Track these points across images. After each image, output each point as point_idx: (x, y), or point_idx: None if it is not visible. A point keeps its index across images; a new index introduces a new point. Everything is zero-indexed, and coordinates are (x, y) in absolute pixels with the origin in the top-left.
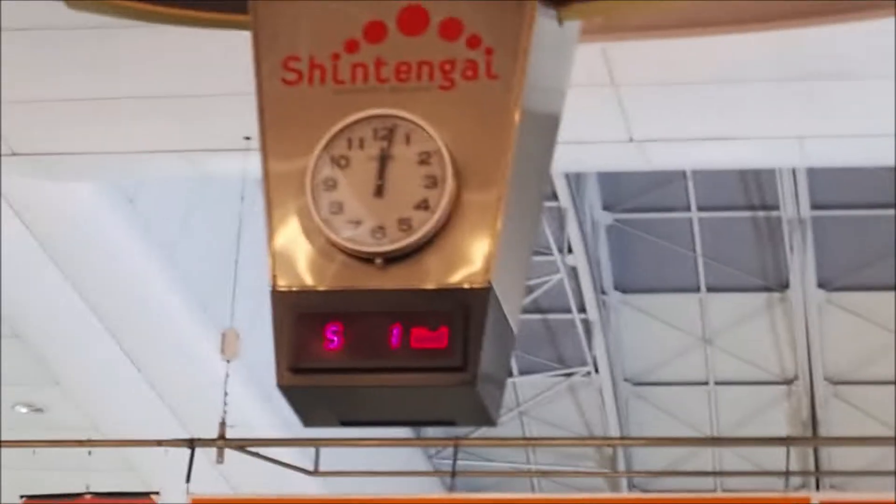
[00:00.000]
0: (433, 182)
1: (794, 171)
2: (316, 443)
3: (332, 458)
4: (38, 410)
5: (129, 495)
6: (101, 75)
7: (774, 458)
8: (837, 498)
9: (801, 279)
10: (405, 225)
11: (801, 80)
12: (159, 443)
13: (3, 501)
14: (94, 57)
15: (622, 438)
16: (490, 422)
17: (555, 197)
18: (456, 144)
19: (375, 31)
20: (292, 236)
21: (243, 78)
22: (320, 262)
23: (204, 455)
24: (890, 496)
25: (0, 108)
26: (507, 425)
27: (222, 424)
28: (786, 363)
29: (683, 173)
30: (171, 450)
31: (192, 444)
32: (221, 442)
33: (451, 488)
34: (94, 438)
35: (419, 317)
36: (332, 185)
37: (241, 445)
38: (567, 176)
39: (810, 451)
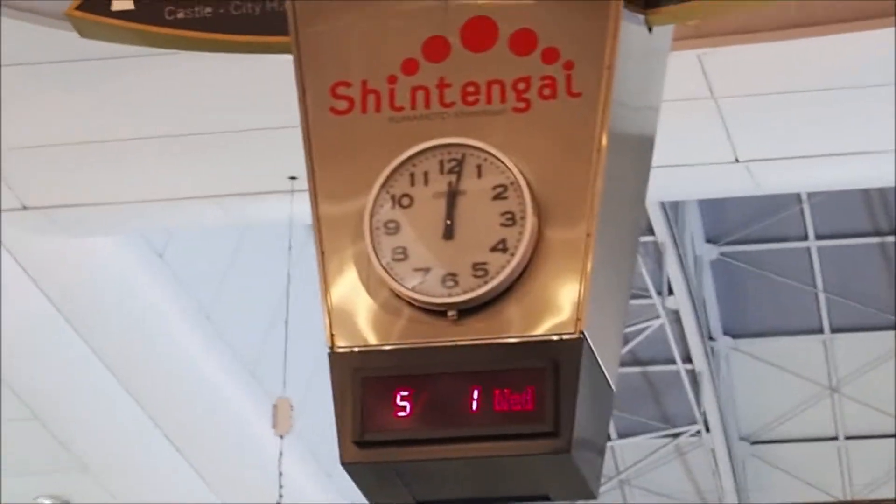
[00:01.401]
0: (511, 219)
1: None
2: None
3: None
4: (65, 503)
5: None
6: (120, 113)
7: None
8: None
9: None
10: (481, 270)
11: None
12: None
13: None
14: (111, 93)
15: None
16: (589, 494)
17: (651, 231)
18: (535, 175)
19: (437, 48)
20: (351, 289)
21: (286, 109)
22: (384, 316)
23: None
24: None
25: (1, 154)
26: (606, 497)
27: None
28: None
29: (798, 197)
30: None
31: None
32: None
33: None
34: None
35: (502, 375)
36: (394, 227)
37: None
38: (664, 205)
39: None
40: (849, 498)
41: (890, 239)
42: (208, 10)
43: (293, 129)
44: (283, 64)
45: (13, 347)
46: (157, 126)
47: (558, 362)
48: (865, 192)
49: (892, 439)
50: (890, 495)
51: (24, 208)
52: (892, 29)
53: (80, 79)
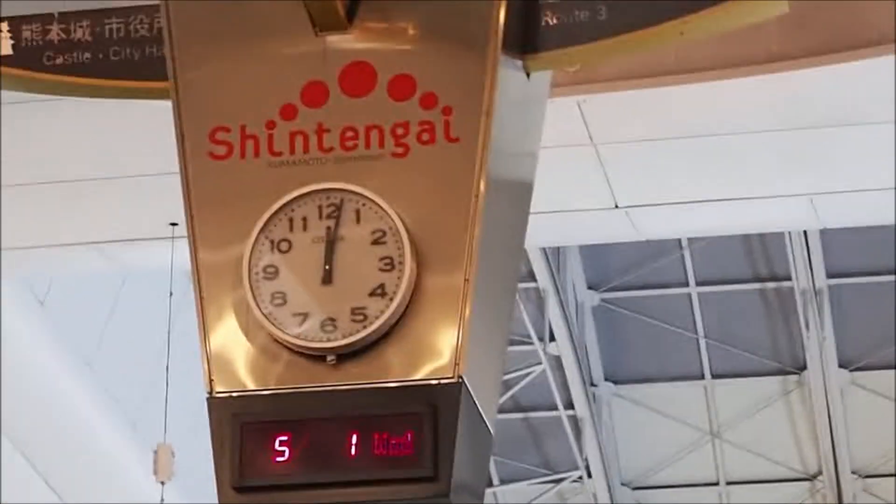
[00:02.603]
0: (390, 265)
1: (805, 235)
2: None
3: None
4: None
5: None
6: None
7: None
8: None
9: (820, 359)
10: (359, 315)
11: (806, 130)
12: None
13: None
14: None
15: None
16: None
17: (532, 277)
18: (414, 220)
19: (315, 94)
20: (230, 334)
21: (166, 154)
22: (263, 361)
23: None
24: None
25: None
26: None
27: None
28: (807, 456)
29: (679, 243)
30: None
31: None
32: None
33: None
34: None
35: (381, 420)
36: (273, 273)
37: None
38: (545, 251)
39: None
40: None
41: (770, 285)
42: (87, 55)
43: (174, 174)
44: (164, 109)
45: None
46: (36, 172)
47: (437, 406)
48: (745, 238)
49: (772, 484)
50: None
51: None
52: (772, 76)
53: None
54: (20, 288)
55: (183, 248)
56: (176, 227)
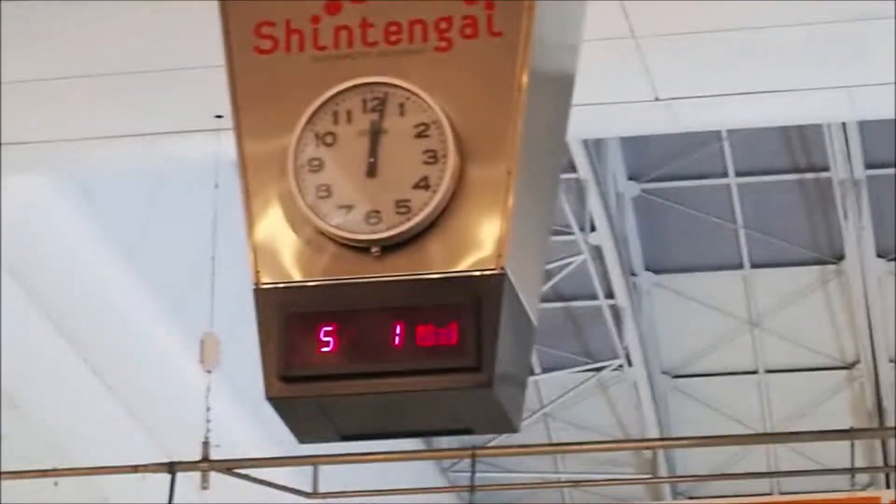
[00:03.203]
0: (433, 157)
1: (844, 127)
2: (313, 460)
3: (332, 477)
4: None
5: None
6: (46, 53)
7: (837, 453)
8: None
9: (858, 248)
10: (403, 207)
11: (843, 21)
12: (135, 468)
13: None
14: (37, 33)
15: (662, 440)
16: (511, 428)
17: (573, 168)
18: (457, 113)
19: None
20: (275, 226)
21: (211, 48)
22: (309, 253)
23: (187, 480)
24: None
25: None
26: (530, 431)
27: (205, 444)
28: (845, 345)
29: (718, 134)
30: (150, 476)
31: (172, 468)
32: (206, 465)
33: None
34: (60, 468)
35: (424, 311)
36: (318, 165)
37: (229, 468)
38: (586, 143)
39: (878, 443)
40: (768, 430)
41: (808, 175)
42: None
43: (219, 68)
44: (208, 4)
45: None
46: (81, 64)
47: (480, 298)
48: (784, 130)
49: (811, 373)
50: (807, 428)
51: None
52: None
53: (4, 20)
54: (65, 179)
55: (227, 140)
56: (221, 119)
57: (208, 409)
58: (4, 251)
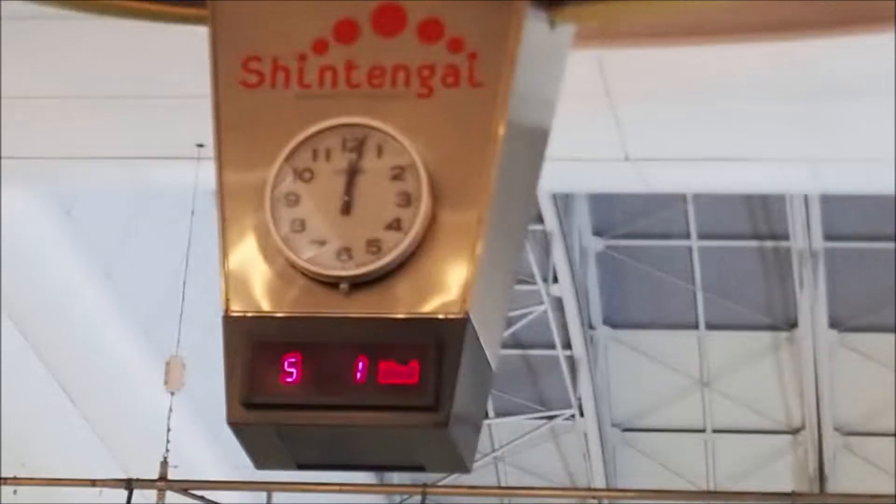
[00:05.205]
0: (407, 200)
1: (805, 198)
2: (268, 487)
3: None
4: None
5: None
6: (37, 72)
7: None
8: None
9: (812, 318)
10: (374, 247)
11: (814, 97)
12: (93, 482)
13: None
14: (26, 50)
15: (608, 490)
16: (463, 468)
17: (540, 220)
18: (433, 159)
19: (347, 31)
20: (248, 256)
21: (198, 79)
22: (279, 285)
23: (143, 498)
24: None
25: None
26: (481, 472)
27: (164, 464)
28: (792, 410)
29: (683, 197)
30: (107, 491)
31: (129, 484)
32: (162, 483)
33: None
34: (20, 476)
35: (387, 349)
36: (294, 200)
37: (185, 488)
38: (555, 197)
39: None
40: (712, 488)
41: (768, 243)
42: None
43: (203, 98)
44: (198, 34)
45: None
46: (68, 85)
47: (442, 340)
48: (747, 197)
49: (757, 435)
50: (750, 489)
51: None
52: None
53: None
54: (48, 198)
55: (207, 169)
56: (202, 148)
57: (169, 430)
58: None
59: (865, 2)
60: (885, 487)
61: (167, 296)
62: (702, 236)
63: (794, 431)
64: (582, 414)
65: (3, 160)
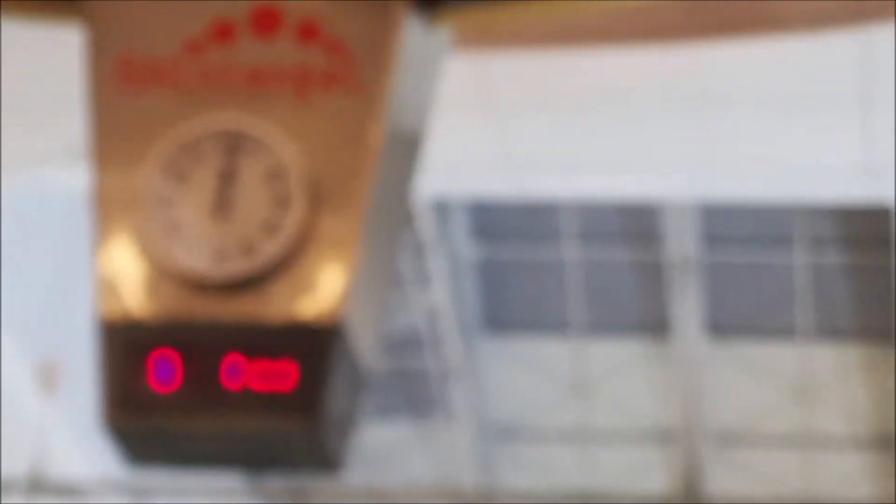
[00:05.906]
0: (281, 203)
1: (683, 207)
2: (140, 487)
3: None
4: None
5: None
6: None
7: None
8: None
9: (686, 325)
10: (247, 249)
11: (693, 106)
12: None
13: None
14: None
15: (480, 493)
16: (335, 472)
17: (417, 226)
18: (310, 163)
19: (223, 31)
20: (122, 260)
21: (70, 80)
22: (151, 288)
23: (10, 499)
24: None
25: None
26: (353, 477)
27: (33, 466)
28: (665, 418)
29: (562, 203)
30: None
31: None
32: (32, 485)
33: None
34: None
35: (259, 353)
36: (168, 202)
37: (56, 489)
38: (431, 202)
39: None
40: (587, 495)
41: (645, 250)
42: None
43: (77, 100)
44: (71, 34)
45: None
46: None
47: (315, 346)
48: (625, 204)
49: (631, 442)
50: (624, 496)
51: None
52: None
53: None
54: None
55: (82, 173)
56: (73, 151)
57: (40, 434)
58: None
59: (747, 1)
60: (758, 495)
61: (44, 300)
62: (579, 242)
63: (667, 439)
64: (458, 421)
65: None
